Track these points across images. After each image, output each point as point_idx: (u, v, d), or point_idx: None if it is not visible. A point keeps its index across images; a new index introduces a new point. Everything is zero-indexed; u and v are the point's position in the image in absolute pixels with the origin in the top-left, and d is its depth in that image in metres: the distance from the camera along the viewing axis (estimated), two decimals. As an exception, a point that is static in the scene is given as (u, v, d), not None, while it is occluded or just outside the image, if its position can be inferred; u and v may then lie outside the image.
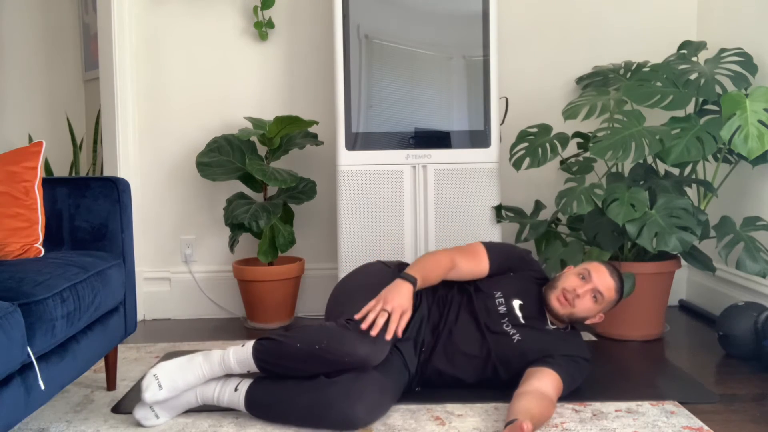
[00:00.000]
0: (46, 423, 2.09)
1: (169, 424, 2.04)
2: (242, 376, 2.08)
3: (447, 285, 2.34)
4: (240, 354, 2.03)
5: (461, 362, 2.22)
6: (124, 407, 2.18)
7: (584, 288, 2.22)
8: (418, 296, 2.27)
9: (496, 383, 2.23)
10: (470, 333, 2.23)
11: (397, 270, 2.32)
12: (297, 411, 1.99)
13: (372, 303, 2.08)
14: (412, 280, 2.15)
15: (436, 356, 2.23)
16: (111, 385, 2.36)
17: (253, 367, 2.03)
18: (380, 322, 2.02)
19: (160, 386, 1.99)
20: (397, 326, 2.05)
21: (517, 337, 2.21)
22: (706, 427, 1.99)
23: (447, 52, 2.94)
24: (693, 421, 2.03)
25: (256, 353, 2.02)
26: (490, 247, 2.38)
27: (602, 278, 2.24)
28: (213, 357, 2.05)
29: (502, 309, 2.25)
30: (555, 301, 2.24)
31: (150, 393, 1.99)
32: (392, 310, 2.05)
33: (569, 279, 2.26)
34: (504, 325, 2.23)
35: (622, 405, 2.16)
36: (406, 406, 2.15)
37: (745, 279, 2.94)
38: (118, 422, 2.09)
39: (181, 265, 3.45)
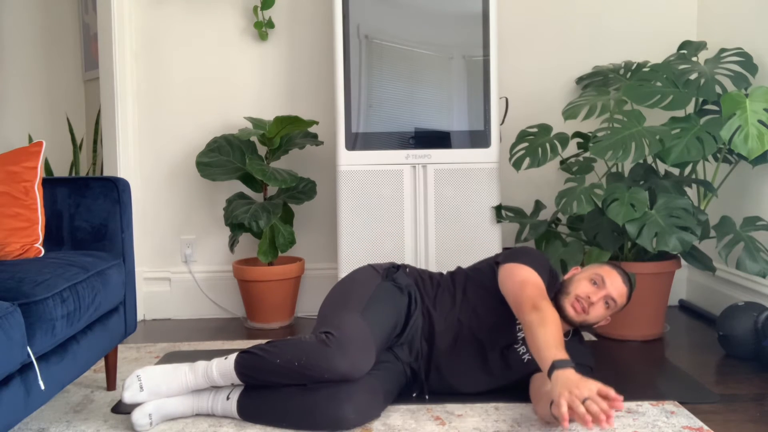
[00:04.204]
0: (46, 423, 2.09)
1: (168, 424, 2.04)
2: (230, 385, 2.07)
3: (450, 297, 2.26)
4: (223, 366, 2.02)
5: (462, 372, 2.20)
6: (124, 407, 2.18)
7: (598, 295, 2.13)
8: (414, 304, 2.22)
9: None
10: (474, 348, 2.19)
11: (386, 273, 2.26)
12: (289, 415, 1.99)
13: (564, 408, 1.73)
14: (569, 364, 1.83)
15: (435, 366, 2.20)
16: (111, 385, 2.36)
17: (236, 380, 2.02)
18: (593, 408, 1.71)
19: (141, 388, 2.00)
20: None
21: (527, 357, 2.16)
22: (706, 427, 1.99)
23: (447, 52, 2.94)
24: (693, 421, 2.03)
25: (238, 367, 2.01)
26: (534, 267, 2.16)
27: (616, 285, 2.15)
28: (198, 368, 2.04)
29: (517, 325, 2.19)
30: (570, 308, 2.13)
31: (130, 393, 1.99)
32: (587, 396, 1.74)
33: (581, 285, 2.15)
34: (515, 344, 2.18)
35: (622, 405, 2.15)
36: (406, 406, 2.15)
37: (745, 279, 2.94)
38: (118, 422, 2.09)
39: (181, 265, 3.45)
